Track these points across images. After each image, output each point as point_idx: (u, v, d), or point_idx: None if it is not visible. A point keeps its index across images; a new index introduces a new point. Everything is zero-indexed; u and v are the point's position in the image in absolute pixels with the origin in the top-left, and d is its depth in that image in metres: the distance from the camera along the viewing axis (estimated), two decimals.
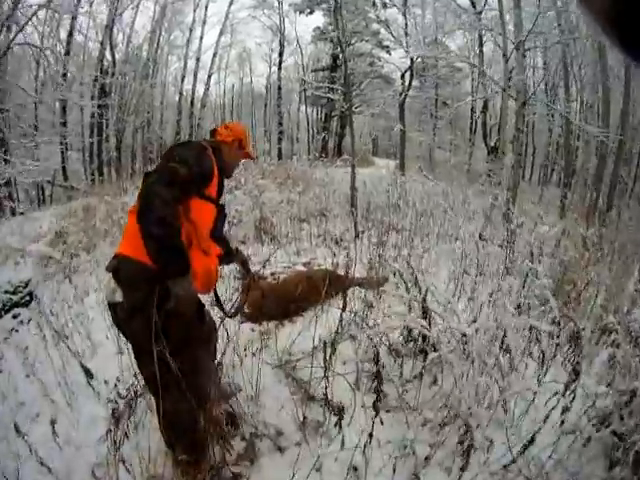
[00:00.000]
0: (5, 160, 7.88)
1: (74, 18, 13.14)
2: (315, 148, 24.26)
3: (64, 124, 11.96)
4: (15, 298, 3.97)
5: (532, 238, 3.72)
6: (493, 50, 16.70)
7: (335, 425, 2.04)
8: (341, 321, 2.27)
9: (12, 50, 10.62)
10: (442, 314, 2.27)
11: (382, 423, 1.93)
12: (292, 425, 2.25)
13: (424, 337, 2.39)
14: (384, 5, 18.48)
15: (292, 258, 5.15)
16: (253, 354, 2.75)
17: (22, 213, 8.73)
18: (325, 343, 1.97)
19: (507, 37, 8.25)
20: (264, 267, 4.77)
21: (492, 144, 15.36)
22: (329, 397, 2.20)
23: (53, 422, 1.99)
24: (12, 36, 7.36)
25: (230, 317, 2.44)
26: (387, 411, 2.31)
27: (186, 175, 1.70)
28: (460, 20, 12.55)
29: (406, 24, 16.16)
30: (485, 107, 17.18)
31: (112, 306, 1.76)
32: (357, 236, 5.65)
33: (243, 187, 7.22)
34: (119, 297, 1.70)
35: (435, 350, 2.34)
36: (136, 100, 16.73)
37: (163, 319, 1.64)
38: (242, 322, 3.44)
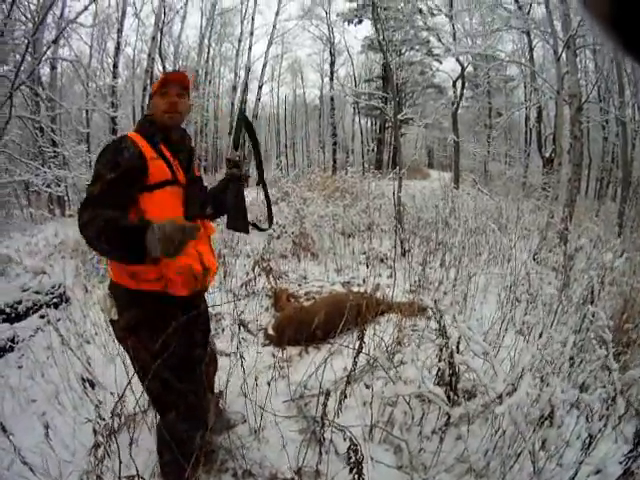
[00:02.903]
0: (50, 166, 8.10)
1: (120, 32, 13.66)
2: (369, 160, 24.29)
3: (114, 132, 12.37)
4: (45, 299, 4.02)
5: (593, 270, 3.20)
6: (543, 56, 15.97)
7: None
8: (354, 365, 1.98)
9: (59, 64, 11.13)
10: (476, 369, 1.91)
11: None
12: (288, 472, 2.00)
13: (454, 386, 2.05)
14: (431, 12, 18.25)
15: (332, 276, 4.95)
16: (268, 383, 2.56)
17: (71, 215, 8.90)
18: (328, 391, 1.70)
19: (557, 35, 7.69)
20: (299, 286, 4.58)
21: (547, 155, 14.66)
22: (336, 447, 1.96)
23: (47, 426, 1.91)
24: (44, 51, 7.62)
25: (264, 229, 2.17)
26: (399, 467, 2.00)
27: (100, 190, 1.45)
28: (507, 21, 12.02)
29: (454, 31, 15.76)
30: (539, 116, 16.23)
31: (111, 322, 1.71)
32: (403, 254, 5.35)
33: (288, 199, 7.09)
34: (114, 315, 1.65)
35: (469, 398, 2.03)
36: None
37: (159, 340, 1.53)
38: (264, 345, 3.27)
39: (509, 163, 18.66)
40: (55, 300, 4.14)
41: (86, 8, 7.25)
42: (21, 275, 4.39)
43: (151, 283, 1.59)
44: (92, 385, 2.69)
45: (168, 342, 1.53)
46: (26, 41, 6.24)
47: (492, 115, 18.44)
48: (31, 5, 7.36)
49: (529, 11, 12.38)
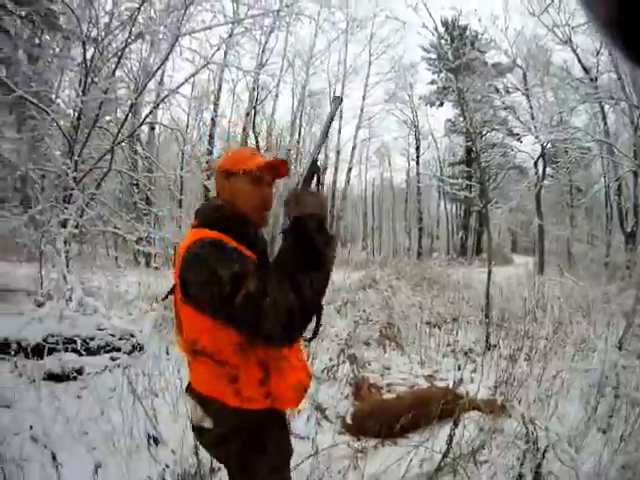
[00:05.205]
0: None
1: (215, 104, 14.54)
2: (454, 245, 24.19)
3: (206, 198, 13.03)
4: (119, 342, 4.20)
5: None
6: (615, 121, 15.35)
7: None
8: (439, 469, 1.90)
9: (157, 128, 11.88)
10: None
11: None
12: None
13: None
14: (507, 90, 18.38)
15: (415, 368, 4.82)
16: (339, 471, 2.48)
17: (157, 268, 9.02)
18: None
19: (632, 103, 7.40)
20: (381, 376, 4.53)
21: (629, 230, 13.95)
22: None
23: (99, 465, 1.95)
24: (145, 114, 8.22)
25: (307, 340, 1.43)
26: None
27: (254, 285, 1.12)
28: (579, 93, 11.95)
29: (530, 107, 15.76)
30: (619, 188, 15.28)
31: (198, 429, 1.39)
32: (488, 348, 5.17)
33: (375, 286, 7.11)
34: (208, 424, 1.33)
35: None
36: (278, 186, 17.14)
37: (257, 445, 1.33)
38: (340, 433, 3.17)
39: (592, 243, 17.73)
40: (129, 347, 4.24)
41: (186, 81, 7.84)
42: (99, 311, 4.60)
43: (258, 401, 1.30)
44: (156, 442, 2.69)
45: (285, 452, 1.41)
46: (129, 102, 6.78)
47: (573, 192, 17.84)
48: (133, 67, 8.14)
49: (596, 78, 12.43)
